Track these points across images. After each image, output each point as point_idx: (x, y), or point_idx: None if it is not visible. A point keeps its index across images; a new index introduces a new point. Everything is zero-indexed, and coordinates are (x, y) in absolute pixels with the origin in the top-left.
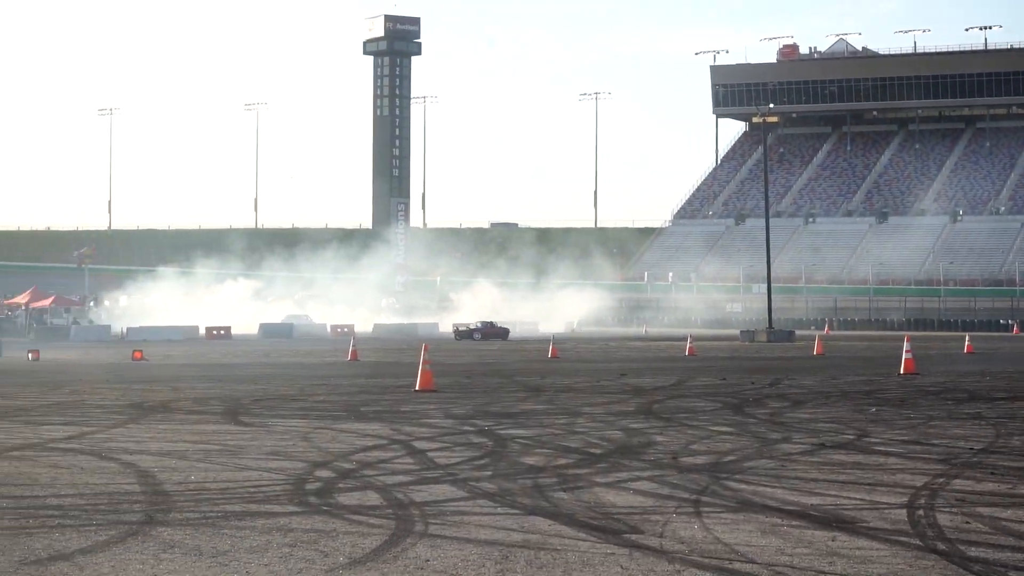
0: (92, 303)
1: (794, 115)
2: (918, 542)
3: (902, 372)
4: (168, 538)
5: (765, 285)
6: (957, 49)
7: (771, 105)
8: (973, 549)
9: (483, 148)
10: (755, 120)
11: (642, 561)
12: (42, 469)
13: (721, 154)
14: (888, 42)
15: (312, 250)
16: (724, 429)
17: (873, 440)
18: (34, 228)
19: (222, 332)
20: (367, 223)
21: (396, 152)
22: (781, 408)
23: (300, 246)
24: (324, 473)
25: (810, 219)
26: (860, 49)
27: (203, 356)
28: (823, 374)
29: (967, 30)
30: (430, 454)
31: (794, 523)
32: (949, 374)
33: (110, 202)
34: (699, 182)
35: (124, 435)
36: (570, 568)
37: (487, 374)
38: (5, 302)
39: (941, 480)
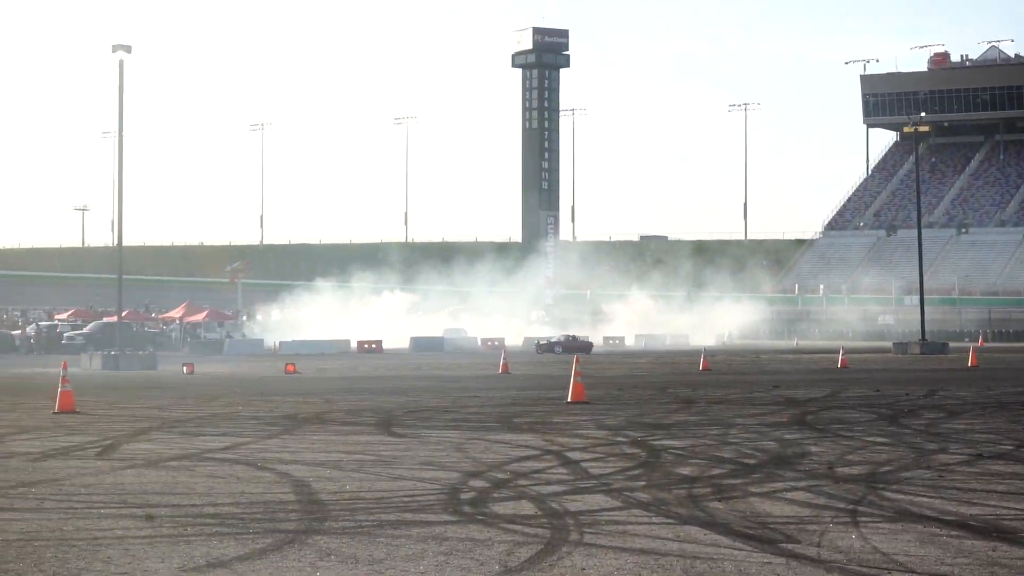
0: (245, 317)
1: (946, 124)
2: None
3: None
4: (324, 546)
5: (918, 297)
6: None
7: (923, 114)
8: None
9: (630, 161)
10: (906, 130)
11: (799, 570)
12: (199, 479)
13: (872, 164)
14: None
15: (468, 263)
16: (879, 440)
17: None
18: (187, 243)
19: (373, 346)
20: (516, 236)
21: (545, 165)
22: (937, 419)
23: (456, 259)
24: (478, 483)
25: (963, 229)
26: (1012, 56)
27: (354, 369)
28: (978, 385)
29: None
30: (583, 464)
31: (953, 533)
32: None
33: (262, 216)
34: (850, 193)
35: (278, 446)
36: None
37: (638, 386)
38: (160, 316)
39: None
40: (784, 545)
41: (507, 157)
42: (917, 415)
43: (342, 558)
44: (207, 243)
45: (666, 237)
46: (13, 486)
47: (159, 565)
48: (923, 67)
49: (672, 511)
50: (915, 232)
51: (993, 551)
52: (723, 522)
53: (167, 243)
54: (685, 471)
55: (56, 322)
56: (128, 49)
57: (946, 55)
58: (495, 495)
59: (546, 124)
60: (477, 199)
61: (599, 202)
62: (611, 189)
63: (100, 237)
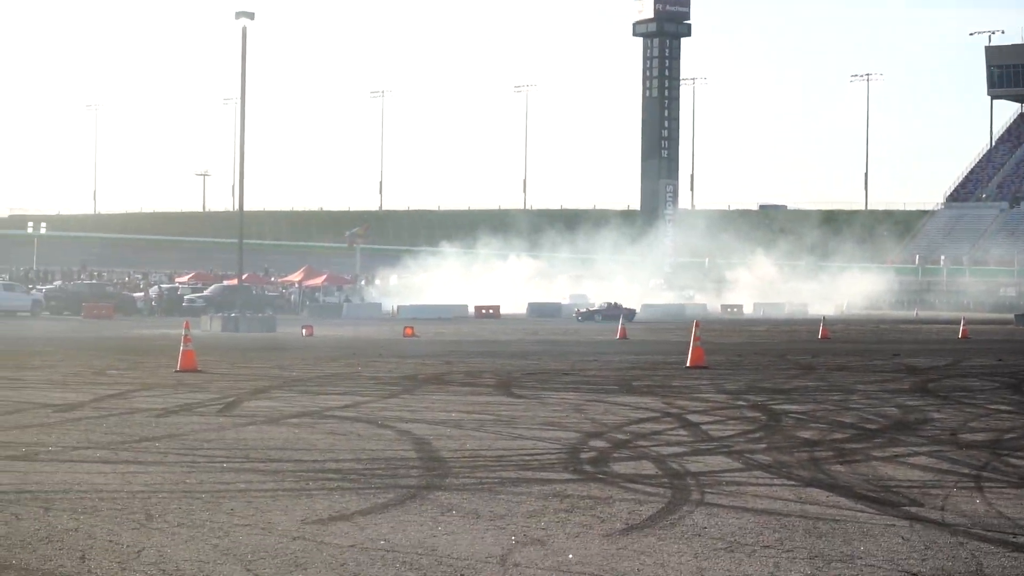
0: (363, 281)
1: None
2: None
3: None
4: (446, 502)
5: None
6: None
7: None
8: None
9: (750, 130)
10: None
11: (923, 533)
12: (320, 435)
13: (995, 136)
14: None
15: (594, 229)
16: (1003, 408)
17: None
18: (307, 208)
19: (491, 311)
20: (634, 204)
21: (665, 134)
22: None
23: (581, 226)
24: (598, 443)
25: None
26: None
27: (472, 334)
28: None
29: None
30: (704, 427)
31: None
32: None
33: (381, 183)
34: (972, 164)
35: (399, 405)
36: (850, 538)
37: (758, 352)
38: (279, 280)
39: None
40: (907, 508)
41: (626, 126)
42: None
43: (463, 513)
44: (326, 208)
45: (785, 206)
46: (137, 440)
47: (282, 517)
48: None
49: (794, 473)
50: None
51: None
52: (845, 485)
53: (287, 208)
54: (806, 435)
55: (177, 285)
56: (251, 16)
57: None
58: (615, 455)
59: (666, 93)
60: (595, 167)
61: (717, 171)
62: (729, 158)
63: (221, 202)
